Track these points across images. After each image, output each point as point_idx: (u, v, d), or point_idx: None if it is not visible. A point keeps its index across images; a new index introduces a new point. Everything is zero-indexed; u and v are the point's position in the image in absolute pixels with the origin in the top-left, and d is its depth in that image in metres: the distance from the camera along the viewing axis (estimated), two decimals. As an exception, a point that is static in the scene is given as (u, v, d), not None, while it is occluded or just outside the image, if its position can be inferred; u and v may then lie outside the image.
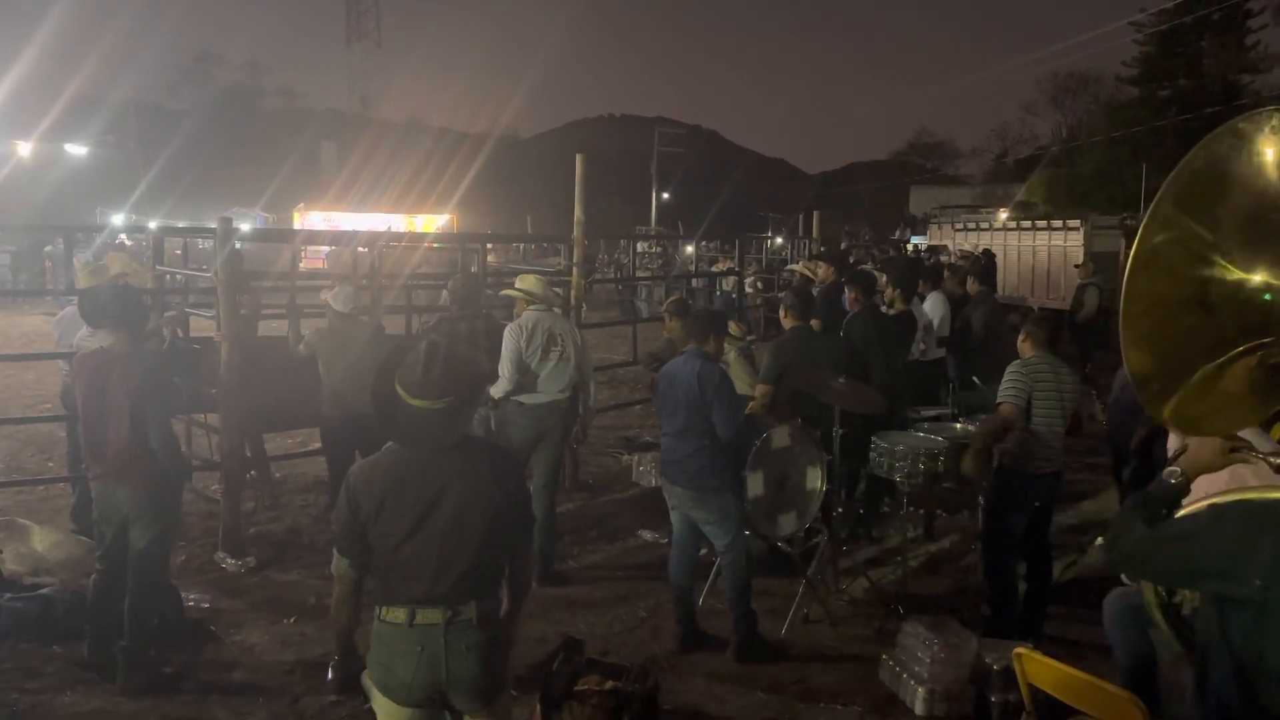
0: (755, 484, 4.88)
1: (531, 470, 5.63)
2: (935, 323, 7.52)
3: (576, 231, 7.65)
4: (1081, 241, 17.83)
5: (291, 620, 5.04)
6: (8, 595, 4.85)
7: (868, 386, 5.42)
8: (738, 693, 4.36)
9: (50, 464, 7.94)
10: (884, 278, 7.25)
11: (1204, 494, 2.14)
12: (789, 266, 12.55)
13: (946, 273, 9.79)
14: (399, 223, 30.61)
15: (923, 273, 8.40)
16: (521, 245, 28.63)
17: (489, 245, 10.25)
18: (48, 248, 22.02)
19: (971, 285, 8.43)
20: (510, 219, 47.51)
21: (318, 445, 6.73)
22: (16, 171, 29.36)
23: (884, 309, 6.69)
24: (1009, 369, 4.80)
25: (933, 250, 22.21)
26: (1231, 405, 1.95)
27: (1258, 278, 1.79)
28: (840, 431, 5.28)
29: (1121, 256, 16.35)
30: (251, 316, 6.47)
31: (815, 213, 15.73)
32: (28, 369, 11.28)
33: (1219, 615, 1.90)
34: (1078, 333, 12.69)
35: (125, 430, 4.11)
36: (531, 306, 5.66)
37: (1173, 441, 2.28)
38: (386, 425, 2.62)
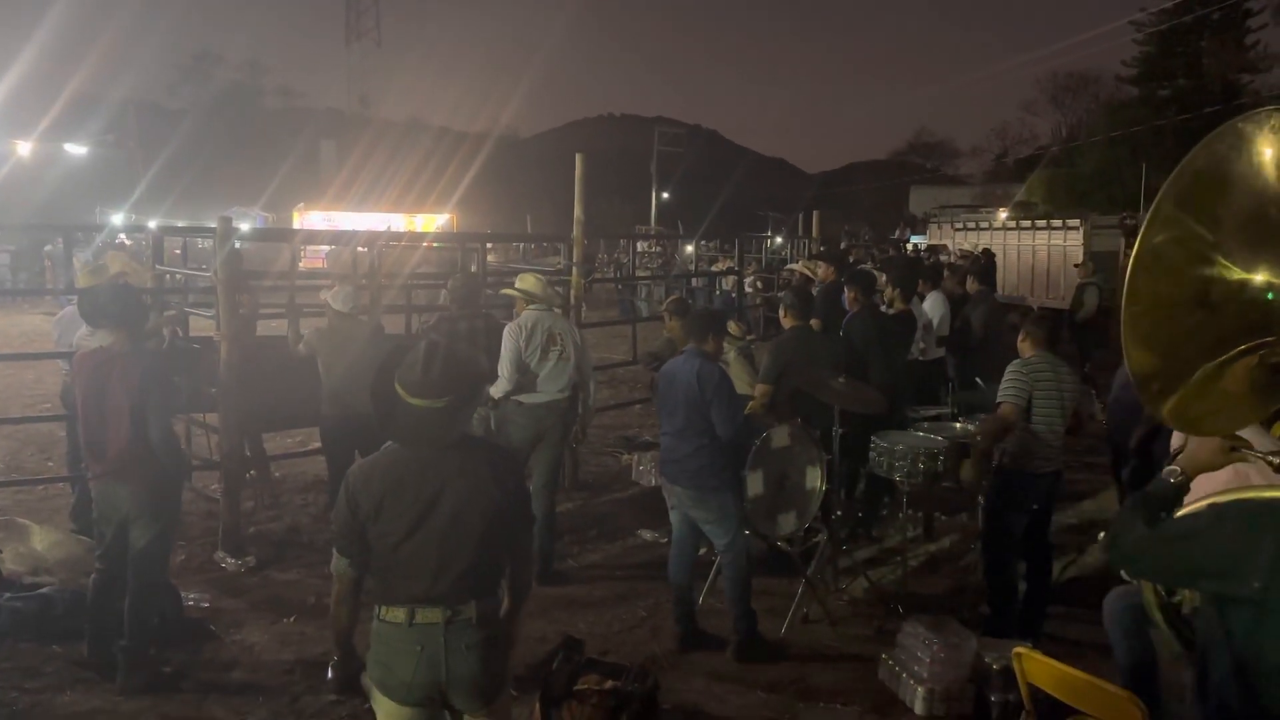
0: (755, 483, 4.88)
1: (531, 470, 5.63)
2: (935, 322, 7.52)
3: (576, 231, 7.65)
4: (1081, 241, 17.85)
5: (291, 619, 5.04)
6: (7, 595, 4.85)
7: (867, 386, 5.42)
8: (737, 692, 4.36)
9: (50, 463, 7.94)
10: (883, 277, 7.25)
11: (1204, 493, 2.14)
12: (788, 266, 12.54)
13: (946, 272, 9.79)
14: (399, 222, 30.61)
15: (922, 272, 8.40)
16: (521, 245, 28.62)
17: (489, 245, 10.25)
18: (47, 247, 22.01)
19: (971, 285, 8.43)
20: (510, 218, 47.54)
21: (317, 444, 6.74)
22: (16, 171, 29.37)
23: (884, 308, 6.69)
24: (1009, 368, 4.80)
25: (932, 250, 22.20)
26: (1232, 405, 1.95)
27: (1259, 277, 1.79)
28: (840, 431, 5.28)
29: (1121, 256, 16.37)
30: (250, 316, 6.47)
31: (815, 212, 15.73)
32: (27, 368, 11.28)
33: (1219, 615, 1.90)
34: (1077, 332, 12.69)
35: (126, 430, 4.11)
36: (531, 306, 5.66)
37: (1175, 440, 2.28)
38: (386, 424, 2.62)
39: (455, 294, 6.35)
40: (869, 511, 6.48)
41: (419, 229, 28.63)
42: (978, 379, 6.56)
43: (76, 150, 33.33)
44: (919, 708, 4.16)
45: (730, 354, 6.41)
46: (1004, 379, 4.77)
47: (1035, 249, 19.36)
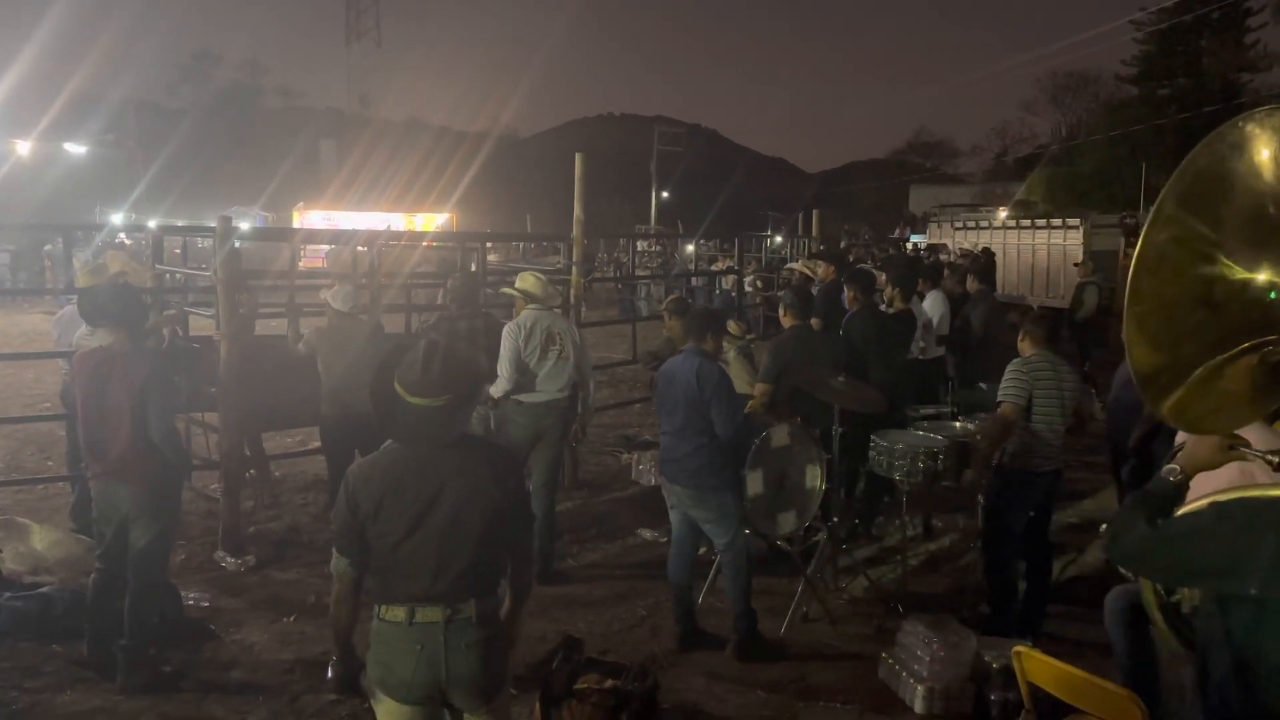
0: (754, 483, 4.88)
1: (531, 469, 5.63)
2: (935, 321, 7.52)
3: (576, 230, 7.65)
4: (1081, 240, 17.83)
5: (291, 619, 5.04)
6: (7, 594, 4.85)
7: (867, 385, 5.42)
8: (737, 691, 4.36)
9: (49, 463, 7.94)
10: (883, 276, 7.25)
11: (1206, 491, 2.14)
12: (788, 265, 12.54)
13: (946, 271, 9.78)
14: (398, 221, 30.64)
15: (922, 271, 8.40)
16: (521, 244, 28.63)
17: (489, 244, 10.24)
18: (47, 247, 22.01)
19: (971, 284, 8.43)
20: (510, 218, 47.55)
21: (317, 444, 6.74)
22: (16, 170, 29.37)
23: (883, 308, 6.69)
24: (1009, 367, 4.80)
25: (932, 249, 22.20)
26: (1232, 404, 1.95)
27: (1262, 277, 1.79)
28: (839, 430, 5.28)
29: (1121, 255, 16.37)
30: (249, 315, 6.47)
31: (814, 211, 15.74)
32: (27, 368, 11.27)
33: (1220, 613, 1.90)
34: (1077, 331, 12.69)
35: (127, 429, 4.11)
36: (530, 305, 5.66)
37: (1180, 439, 2.29)
38: (385, 423, 2.62)
39: (455, 293, 6.35)
40: (869, 510, 6.48)
41: (419, 228, 28.63)
42: (982, 385, 6.56)
43: (76, 150, 33.33)
44: (919, 706, 4.16)
45: (730, 353, 6.41)
46: (1004, 378, 4.77)
47: (1035, 248, 19.35)
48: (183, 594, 5.03)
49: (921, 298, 7.56)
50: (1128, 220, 19.78)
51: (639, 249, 25.42)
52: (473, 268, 8.77)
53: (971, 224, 23.73)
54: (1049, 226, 19.43)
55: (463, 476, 2.60)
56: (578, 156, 7.74)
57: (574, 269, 7.70)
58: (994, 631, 4.62)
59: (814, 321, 6.30)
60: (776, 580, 5.43)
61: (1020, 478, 4.78)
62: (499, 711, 2.73)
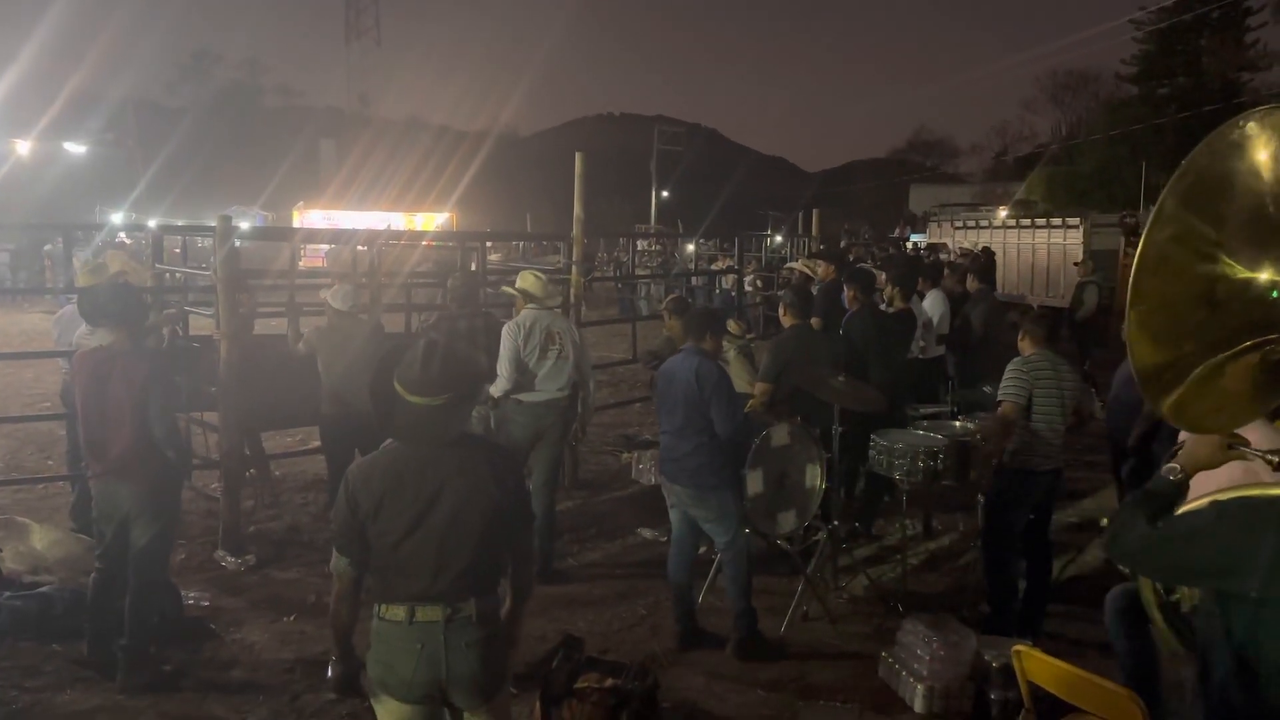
0: (755, 482, 4.88)
1: (531, 468, 5.63)
2: (935, 320, 7.52)
3: (576, 230, 7.65)
4: (1081, 239, 17.83)
5: (291, 618, 5.05)
6: (7, 593, 4.85)
7: (867, 384, 5.42)
8: (737, 690, 4.36)
9: (50, 462, 7.94)
10: (883, 276, 7.25)
11: (1205, 490, 2.14)
12: (788, 265, 12.52)
13: (946, 270, 9.78)
14: (398, 221, 30.64)
15: (922, 270, 8.40)
16: (521, 243, 28.63)
17: (490, 244, 10.24)
18: (47, 246, 22.00)
19: (971, 283, 8.43)
20: (510, 217, 47.54)
21: (317, 443, 6.74)
22: (15, 170, 29.36)
23: (883, 307, 6.69)
24: (1009, 367, 4.80)
25: (932, 248, 22.19)
26: (1232, 403, 1.95)
27: (1264, 276, 1.79)
28: (839, 429, 5.27)
29: (1121, 254, 16.36)
30: (247, 315, 6.47)
31: (815, 211, 15.72)
32: (27, 367, 11.28)
33: (1221, 612, 1.90)
34: (1077, 330, 12.69)
35: (128, 428, 4.12)
36: (529, 305, 5.66)
37: (1181, 438, 2.29)
38: (385, 422, 2.62)
39: (455, 293, 6.35)
40: (869, 510, 6.48)
41: (419, 228, 28.64)
42: (986, 389, 6.56)
43: (76, 149, 33.32)
44: (919, 705, 4.16)
45: (730, 352, 6.41)
46: (1004, 377, 4.77)
47: (1035, 247, 19.35)
48: (183, 593, 5.03)
49: (921, 297, 7.56)
50: (1128, 219, 19.77)
51: (639, 248, 25.42)
52: (473, 267, 8.77)
53: (971, 223, 23.73)
54: (1049, 226, 19.43)
55: (463, 476, 2.60)
56: (578, 156, 7.74)
57: (574, 268, 7.69)
58: (994, 630, 4.62)
59: (814, 321, 6.30)
60: (776, 579, 5.43)
61: (1020, 477, 4.78)
62: (499, 710, 2.73)
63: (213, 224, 6.15)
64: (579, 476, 7.66)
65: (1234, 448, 2.03)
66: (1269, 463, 1.97)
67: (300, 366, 6.13)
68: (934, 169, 65.54)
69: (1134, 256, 1.94)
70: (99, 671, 4.33)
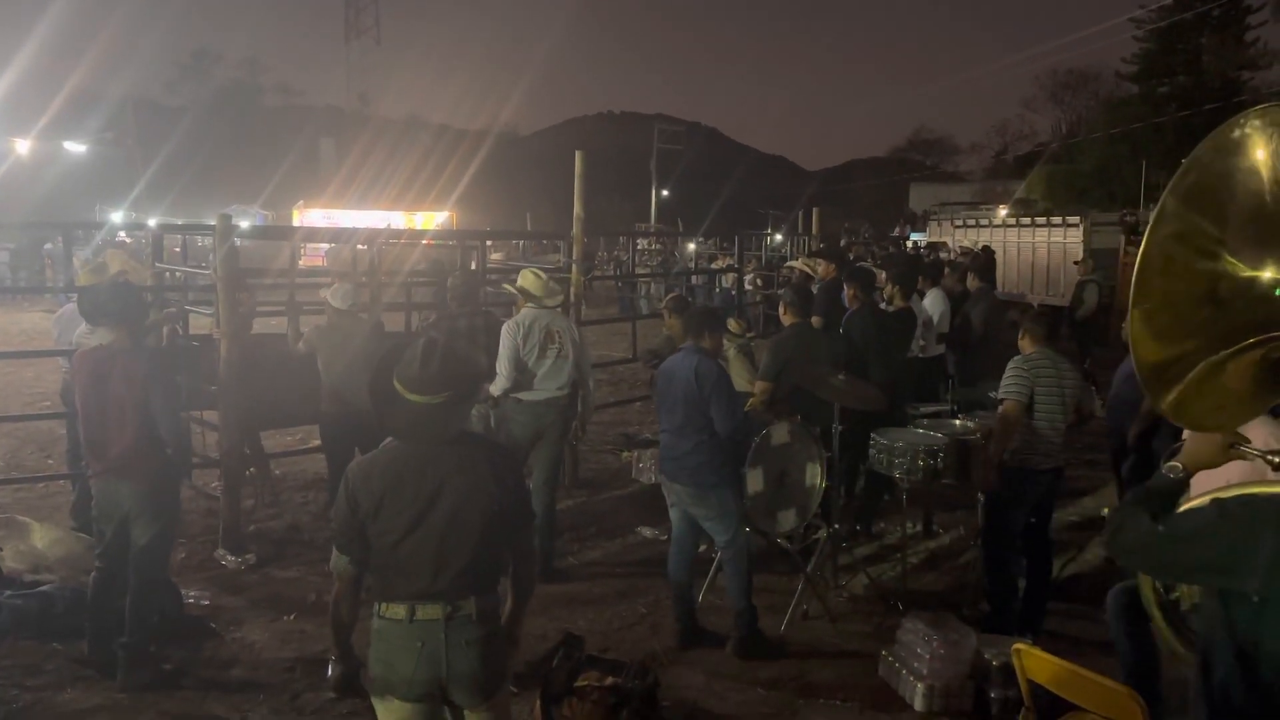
0: (755, 480, 4.88)
1: (531, 467, 5.63)
2: (935, 319, 7.52)
3: (576, 228, 7.65)
4: (1081, 238, 17.84)
5: (291, 617, 5.05)
6: (8, 592, 4.85)
7: (867, 383, 5.42)
8: (737, 688, 4.37)
9: (50, 461, 7.94)
10: (883, 274, 7.25)
11: (1208, 487, 2.14)
12: (788, 263, 12.53)
13: (946, 269, 9.79)
14: (398, 220, 30.64)
15: (922, 269, 8.40)
16: (521, 242, 28.64)
17: (491, 242, 10.24)
18: (47, 245, 22.02)
19: (971, 282, 8.43)
20: (510, 216, 47.53)
21: (317, 442, 6.74)
22: (15, 169, 29.30)
23: (883, 306, 6.69)
24: (1010, 365, 4.80)
25: (932, 247, 22.19)
26: (1233, 401, 1.95)
27: (1267, 274, 1.79)
28: (839, 428, 5.28)
29: (1121, 253, 16.35)
30: (247, 314, 6.47)
31: (815, 209, 15.71)
32: (27, 366, 11.29)
33: (1222, 609, 1.90)
34: (1077, 329, 12.69)
35: (130, 427, 4.12)
36: (529, 304, 5.66)
37: (1185, 435, 2.29)
38: (384, 421, 2.62)
39: (455, 291, 6.35)
40: (869, 508, 6.48)
41: (418, 226, 28.63)
42: (991, 394, 6.56)
43: (76, 148, 33.27)
44: (919, 704, 4.16)
45: (730, 351, 6.41)
46: (1005, 375, 4.76)
47: (1035, 246, 19.36)
48: (183, 592, 5.04)
49: (922, 296, 7.56)
50: (1128, 218, 19.78)
51: (639, 247, 25.39)
52: (472, 266, 8.77)
53: (971, 222, 23.73)
54: (1049, 224, 19.45)
55: (462, 474, 2.60)
56: (578, 154, 7.73)
57: (574, 267, 7.69)
58: (994, 629, 4.62)
59: (814, 319, 6.30)
60: (777, 578, 5.44)
61: (1021, 475, 4.78)
62: (499, 708, 2.73)
63: (212, 223, 6.15)
64: (579, 475, 7.66)
65: (1235, 447, 2.03)
66: (1270, 463, 1.98)
67: (300, 365, 6.13)
68: (934, 168, 65.54)
69: (1134, 255, 1.94)
70: (99, 670, 4.33)
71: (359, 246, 7.43)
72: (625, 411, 10.07)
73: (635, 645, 4.78)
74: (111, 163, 37.63)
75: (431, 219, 32.68)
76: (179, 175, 37.27)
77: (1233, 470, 2.20)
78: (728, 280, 16.12)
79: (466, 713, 2.69)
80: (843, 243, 19.79)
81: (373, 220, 27.98)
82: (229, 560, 5.75)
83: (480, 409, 5.82)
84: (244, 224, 10.74)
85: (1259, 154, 1.80)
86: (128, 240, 21.31)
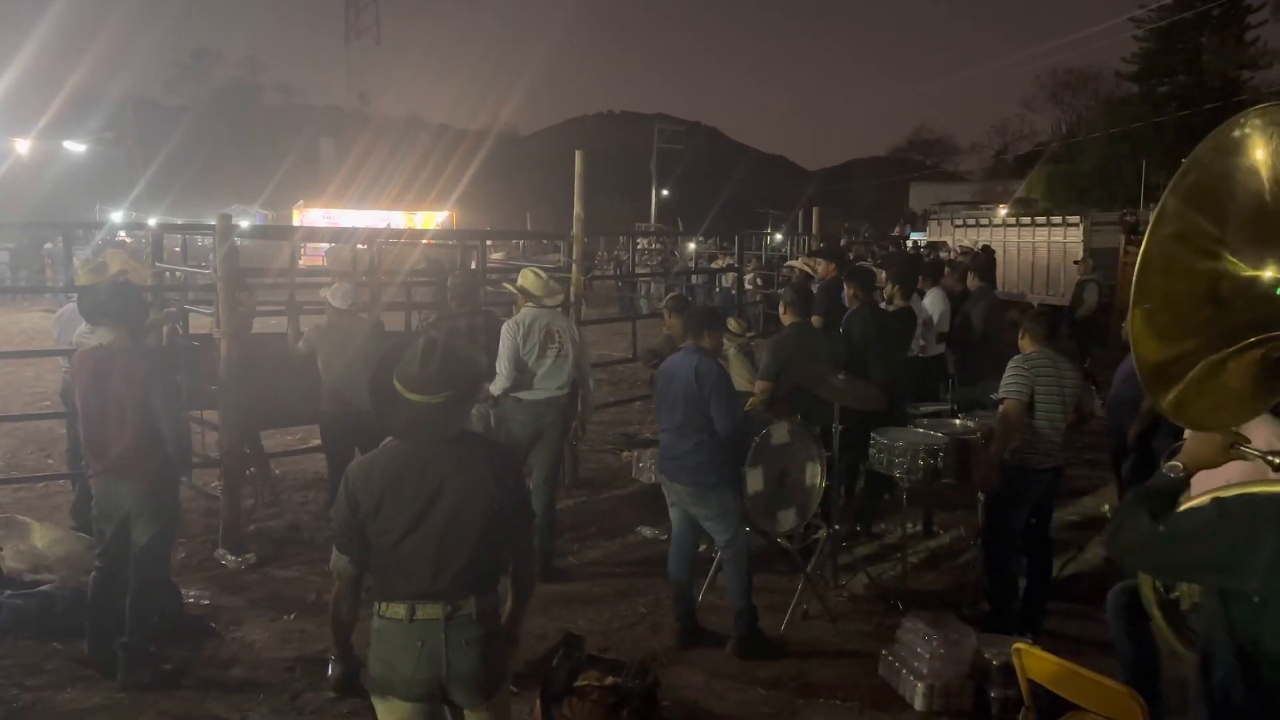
0: (755, 480, 4.88)
1: (531, 466, 5.63)
2: (935, 319, 7.52)
3: (576, 228, 7.64)
4: (1081, 238, 17.84)
5: (291, 617, 5.05)
6: (8, 592, 4.85)
7: (867, 383, 5.42)
8: (737, 688, 4.37)
9: (50, 461, 7.94)
10: (884, 274, 7.25)
11: (1210, 485, 2.14)
12: (788, 263, 12.53)
13: (946, 269, 9.79)
14: (398, 219, 30.64)
15: (922, 269, 8.40)
16: (521, 242, 28.65)
17: (491, 242, 10.24)
18: (47, 245, 22.01)
19: (971, 281, 8.43)
20: (510, 216, 47.56)
21: (317, 442, 6.74)
22: (15, 169, 29.30)
23: (883, 305, 6.69)
24: (1011, 363, 4.80)
25: (932, 246, 22.19)
26: (1232, 400, 1.95)
27: (1268, 273, 1.80)
28: (839, 428, 5.28)
29: (1121, 253, 16.35)
30: (247, 314, 6.47)
31: (815, 209, 15.71)
32: (27, 366, 11.29)
33: (1223, 608, 1.90)
34: (1077, 329, 12.69)
35: (130, 427, 4.12)
36: (529, 303, 5.66)
37: (1186, 435, 2.29)
38: (384, 420, 2.62)
39: (455, 291, 6.35)
40: (869, 508, 6.48)
41: (418, 226, 28.64)
42: (993, 398, 6.56)
43: (76, 148, 33.27)
44: (919, 704, 4.16)
45: (730, 351, 6.41)
46: (1006, 374, 4.76)
47: (1035, 246, 19.35)
48: (183, 592, 5.04)
49: (922, 295, 7.56)
50: (1128, 218, 19.77)
51: (639, 247, 25.39)
52: (473, 265, 8.77)
53: (972, 221, 23.73)
54: (1049, 224, 19.45)
55: (462, 474, 2.60)
56: (578, 154, 7.73)
57: (574, 267, 7.69)
58: (994, 629, 4.62)
59: (814, 319, 6.30)
60: (777, 577, 5.44)
61: (1021, 475, 4.78)
62: (499, 708, 2.73)
63: (212, 222, 6.15)
64: (579, 475, 7.66)
65: (1236, 447, 2.03)
66: (1270, 464, 1.98)
67: (300, 365, 6.13)
68: (934, 167, 65.58)
69: (1134, 255, 1.95)
70: (99, 670, 4.33)
71: (359, 246, 7.43)
72: (625, 411, 10.07)
73: (635, 645, 4.78)
74: (111, 162, 37.65)
75: (431, 219, 32.69)
76: (179, 175, 37.29)
77: (1233, 469, 2.20)
78: (728, 280, 16.12)
79: (466, 712, 2.69)
80: (843, 242, 19.79)
81: (373, 220, 27.98)
82: (229, 560, 5.75)
83: (480, 408, 5.82)
84: (244, 223, 10.74)
85: (1259, 153, 1.81)
86: (128, 240, 21.33)
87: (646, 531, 6.45)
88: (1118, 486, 6.35)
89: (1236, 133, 1.83)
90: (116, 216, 25.19)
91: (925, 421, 5.73)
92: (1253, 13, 41.68)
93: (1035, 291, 18.46)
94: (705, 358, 4.59)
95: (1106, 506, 6.67)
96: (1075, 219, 18.75)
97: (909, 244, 25.96)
